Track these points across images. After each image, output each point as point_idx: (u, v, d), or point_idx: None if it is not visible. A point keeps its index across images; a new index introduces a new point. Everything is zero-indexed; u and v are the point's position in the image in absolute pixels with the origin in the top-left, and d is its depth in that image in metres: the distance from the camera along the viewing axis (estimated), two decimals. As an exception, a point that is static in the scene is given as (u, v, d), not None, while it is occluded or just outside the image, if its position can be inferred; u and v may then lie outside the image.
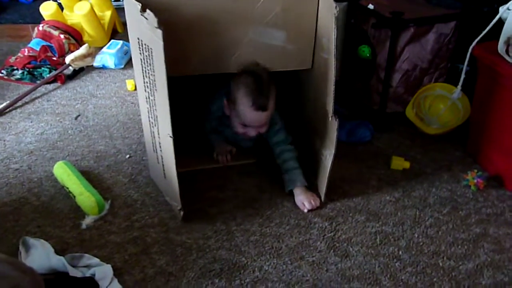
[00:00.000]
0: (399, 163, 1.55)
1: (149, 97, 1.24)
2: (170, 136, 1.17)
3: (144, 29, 1.11)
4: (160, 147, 1.29)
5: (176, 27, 1.22)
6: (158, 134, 1.27)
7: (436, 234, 1.32)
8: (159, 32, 1.03)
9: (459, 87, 1.64)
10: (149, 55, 1.14)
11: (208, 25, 1.27)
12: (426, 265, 1.22)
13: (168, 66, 1.07)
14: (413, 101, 1.72)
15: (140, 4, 1.08)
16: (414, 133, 1.74)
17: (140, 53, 1.19)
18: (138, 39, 1.17)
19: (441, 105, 1.74)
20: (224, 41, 1.30)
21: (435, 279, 1.18)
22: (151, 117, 1.28)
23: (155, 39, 1.06)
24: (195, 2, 1.23)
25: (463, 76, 1.61)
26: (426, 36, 1.65)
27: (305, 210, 1.37)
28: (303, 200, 1.38)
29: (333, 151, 1.30)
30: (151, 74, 1.17)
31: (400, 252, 1.26)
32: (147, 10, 1.06)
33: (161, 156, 1.31)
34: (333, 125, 1.27)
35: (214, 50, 1.31)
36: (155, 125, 1.27)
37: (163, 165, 1.32)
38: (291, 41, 1.35)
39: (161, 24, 1.03)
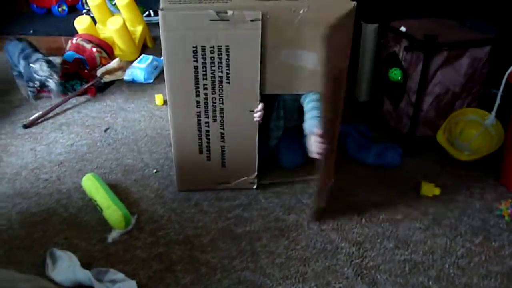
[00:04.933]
0: (430, 189, 1.51)
1: (207, 98, 1.31)
2: (251, 111, 1.32)
3: (213, 33, 1.21)
4: (222, 138, 1.39)
5: None
6: (222, 126, 1.37)
7: (468, 266, 1.27)
8: (257, 23, 1.18)
9: (493, 113, 1.60)
10: (218, 55, 1.24)
11: None
12: (458, 298, 1.18)
13: None
14: (444, 126, 1.68)
15: (213, 11, 1.18)
16: (445, 158, 1.70)
17: (196, 60, 1.25)
18: (195, 47, 1.23)
19: (473, 131, 1.70)
20: None
21: (467, 313, 1.14)
22: (207, 117, 1.34)
23: (239, 34, 1.19)
24: None
25: (497, 102, 1.57)
26: (460, 60, 1.62)
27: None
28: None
29: None
30: (219, 71, 1.27)
31: (430, 283, 1.21)
32: (229, 11, 1.17)
33: (221, 147, 1.41)
34: None
35: None
36: (214, 120, 1.35)
37: (222, 154, 1.43)
38: None
39: None
